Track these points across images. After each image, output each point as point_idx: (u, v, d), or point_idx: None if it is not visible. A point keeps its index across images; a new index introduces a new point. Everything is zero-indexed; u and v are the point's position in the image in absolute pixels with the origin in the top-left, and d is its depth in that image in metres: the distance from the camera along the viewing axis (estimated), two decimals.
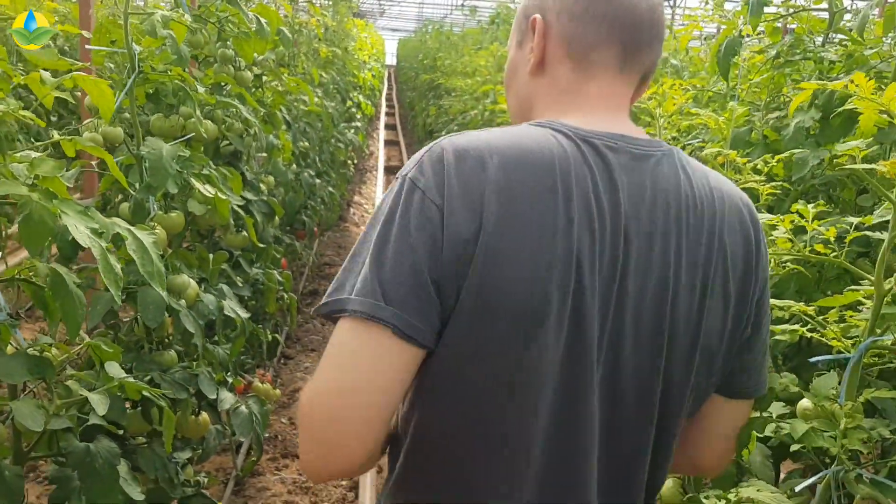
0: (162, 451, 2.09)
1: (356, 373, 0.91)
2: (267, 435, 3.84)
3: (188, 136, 2.20)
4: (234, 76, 3.05)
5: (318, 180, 5.14)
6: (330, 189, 5.55)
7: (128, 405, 2.12)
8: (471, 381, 0.95)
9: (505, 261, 0.90)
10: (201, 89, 2.05)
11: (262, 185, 3.53)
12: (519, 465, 0.97)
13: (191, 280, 2.18)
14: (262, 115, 3.49)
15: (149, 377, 2.04)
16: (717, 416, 1.15)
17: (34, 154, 1.35)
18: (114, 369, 1.52)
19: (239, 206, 2.54)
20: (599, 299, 0.94)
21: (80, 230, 1.29)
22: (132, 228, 1.42)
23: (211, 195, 2.05)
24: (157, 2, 2.50)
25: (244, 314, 2.34)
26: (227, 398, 2.22)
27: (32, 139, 4.50)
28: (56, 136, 1.38)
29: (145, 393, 1.53)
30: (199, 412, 2.24)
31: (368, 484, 3.49)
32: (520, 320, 0.91)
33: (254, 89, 3.44)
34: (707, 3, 5.50)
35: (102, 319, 2.12)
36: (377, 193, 10.31)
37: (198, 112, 2.12)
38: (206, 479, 2.34)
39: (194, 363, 2.23)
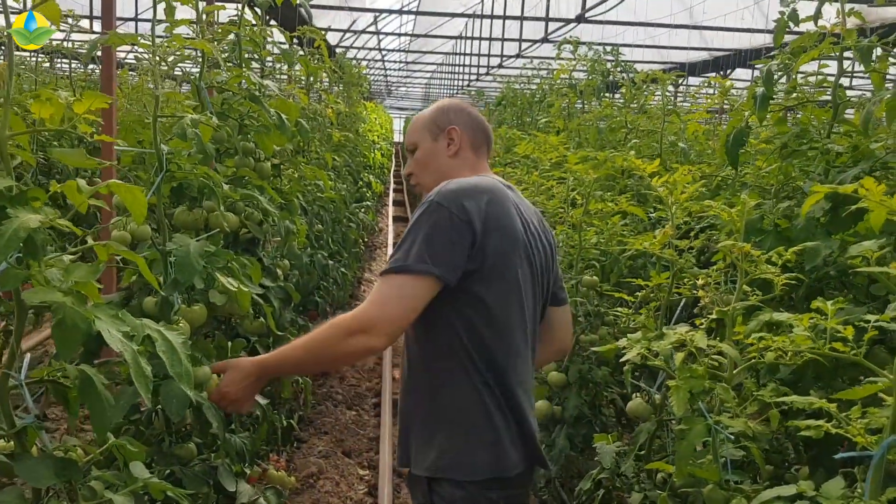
0: None
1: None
2: None
3: (215, 232, 2.26)
4: (255, 167, 3.13)
5: (330, 261, 5.20)
6: (342, 270, 5.61)
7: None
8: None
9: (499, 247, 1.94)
10: (225, 186, 2.11)
11: (278, 269, 3.58)
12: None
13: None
14: (280, 203, 3.57)
15: (169, 471, 2.05)
16: (554, 320, 2.24)
17: (67, 258, 1.40)
18: (138, 469, 1.53)
19: (257, 294, 2.58)
20: (533, 258, 2.04)
21: (112, 334, 1.32)
22: (161, 329, 1.45)
23: (234, 289, 2.09)
24: (178, 103, 2.60)
25: (263, 401, 2.34)
26: (246, 490, 2.21)
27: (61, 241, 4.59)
28: (89, 240, 1.43)
29: (169, 493, 1.53)
30: None
31: None
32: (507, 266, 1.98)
33: (272, 178, 3.52)
34: (709, 85, 5.62)
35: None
36: None
37: (221, 207, 2.18)
38: None
39: (213, 454, 2.23)
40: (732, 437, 1.92)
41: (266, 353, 2.07)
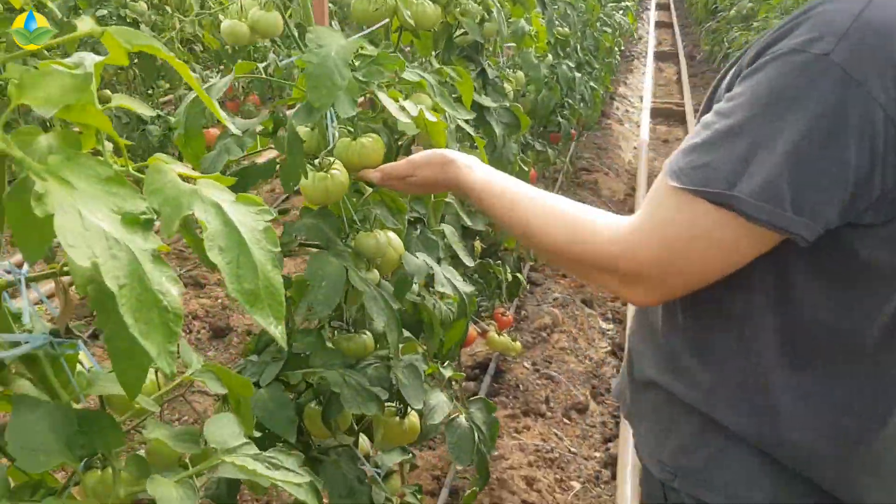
0: (351, 468, 1.54)
1: None
2: (502, 385, 3.26)
3: (375, 26, 1.50)
4: None
5: (577, 74, 4.29)
6: (591, 84, 4.67)
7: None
8: None
9: None
10: None
11: (507, 84, 2.80)
12: None
13: (390, 235, 1.52)
14: None
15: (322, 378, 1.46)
16: None
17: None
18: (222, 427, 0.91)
19: (466, 120, 1.82)
20: None
21: (87, 220, 0.64)
22: (224, 205, 0.75)
23: (411, 117, 1.35)
24: None
25: (466, 287, 1.64)
26: (440, 405, 1.58)
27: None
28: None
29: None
30: (404, 412, 1.65)
31: (629, 463, 2.78)
32: None
33: None
34: None
35: None
36: (646, 84, 9.12)
37: None
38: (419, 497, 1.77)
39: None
40: None
41: (485, 176, 1.20)
